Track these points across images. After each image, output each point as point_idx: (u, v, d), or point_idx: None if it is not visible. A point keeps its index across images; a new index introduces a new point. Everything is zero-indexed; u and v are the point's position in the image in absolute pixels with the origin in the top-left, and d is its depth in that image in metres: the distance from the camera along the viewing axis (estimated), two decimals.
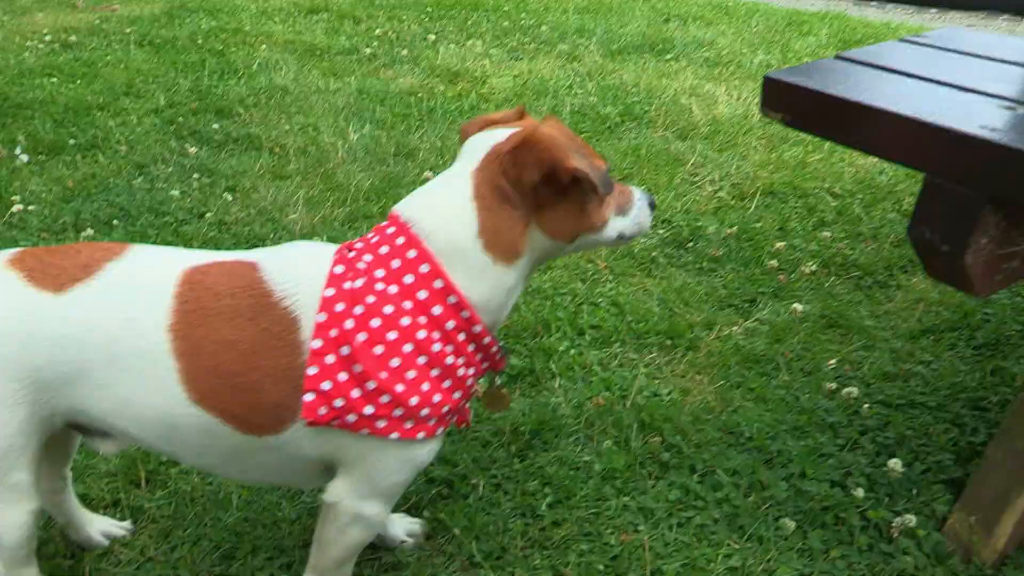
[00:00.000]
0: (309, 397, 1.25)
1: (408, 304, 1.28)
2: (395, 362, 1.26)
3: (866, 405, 2.03)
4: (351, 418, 1.27)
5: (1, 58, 4.83)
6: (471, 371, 1.36)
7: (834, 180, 3.29)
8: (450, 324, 1.29)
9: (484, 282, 1.31)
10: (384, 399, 1.26)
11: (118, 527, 1.74)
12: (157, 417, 1.30)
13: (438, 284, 1.28)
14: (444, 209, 1.32)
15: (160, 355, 1.27)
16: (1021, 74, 1.53)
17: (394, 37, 5.22)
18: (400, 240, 1.30)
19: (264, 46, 5.04)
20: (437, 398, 1.30)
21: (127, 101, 4.18)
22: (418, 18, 5.68)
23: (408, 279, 1.28)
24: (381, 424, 1.28)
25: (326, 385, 1.25)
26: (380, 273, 1.28)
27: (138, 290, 1.30)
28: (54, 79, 4.49)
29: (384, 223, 1.35)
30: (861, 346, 2.29)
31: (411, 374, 1.27)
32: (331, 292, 1.27)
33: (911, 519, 1.67)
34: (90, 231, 2.86)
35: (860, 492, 1.77)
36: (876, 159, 3.27)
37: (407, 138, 3.71)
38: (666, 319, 2.41)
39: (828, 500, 1.76)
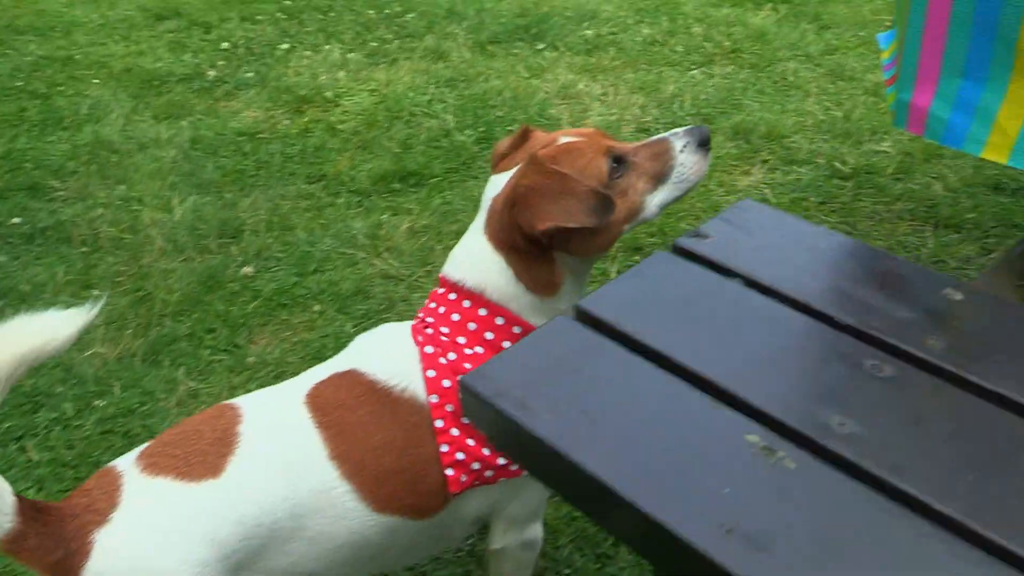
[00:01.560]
0: (450, 472, 1.35)
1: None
2: None
3: None
4: (489, 474, 1.37)
5: None
6: None
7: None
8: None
9: (542, 314, 1.41)
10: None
11: None
12: (347, 540, 1.34)
13: (516, 330, 1.39)
14: (481, 265, 1.41)
15: (334, 484, 1.32)
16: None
17: (244, 49, 4.68)
18: (466, 303, 1.40)
19: (96, 80, 4.49)
20: None
21: None
22: (275, 15, 5.12)
23: (489, 335, 1.38)
24: (513, 468, 1.38)
25: (460, 456, 1.35)
26: (462, 340, 1.38)
27: (280, 436, 1.34)
28: None
29: (439, 290, 1.46)
30: None
31: None
32: (433, 373, 1.35)
33: None
34: None
35: None
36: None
37: (235, 208, 3.27)
38: None
39: None
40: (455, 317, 1.40)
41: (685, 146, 1.41)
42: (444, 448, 1.34)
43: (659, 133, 1.52)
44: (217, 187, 3.43)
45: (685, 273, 1.18)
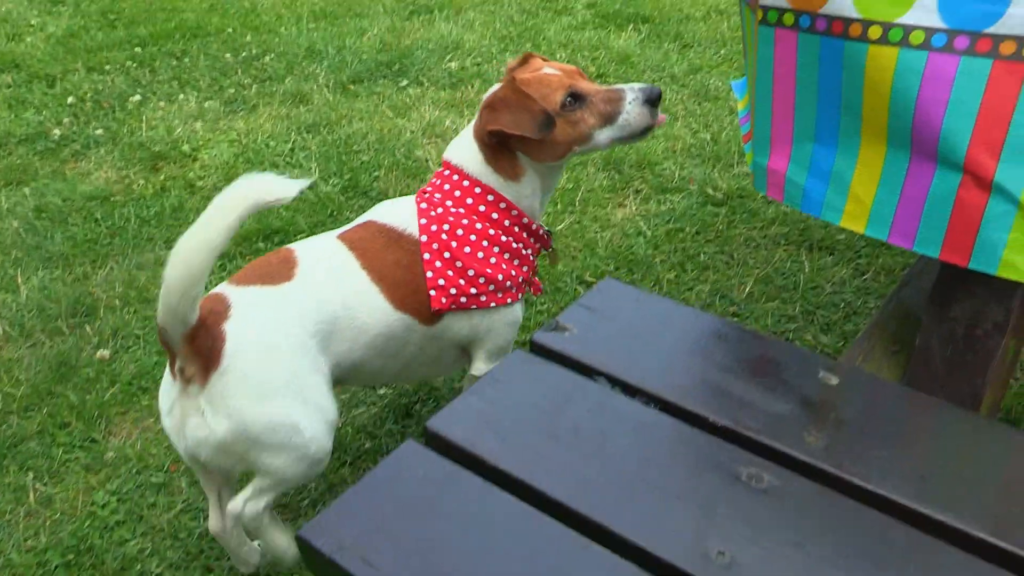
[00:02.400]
0: (432, 293, 1.77)
1: (476, 214, 1.81)
2: (480, 254, 1.79)
3: None
4: (463, 299, 1.79)
5: None
6: (529, 250, 1.89)
7: (583, 269, 2.83)
8: (507, 222, 1.83)
9: (508, 191, 1.84)
10: (481, 280, 1.79)
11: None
12: (381, 334, 1.79)
13: (490, 197, 1.82)
14: (464, 150, 1.86)
15: (368, 286, 1.77)
16: None
17: (92, 104, 4.41)
18: (455, 177, 1.85)
19: None
20: (513, 272, 1.84)
21: None
22: (125, 64, 4.86)
23: (469, 200, 1.82)
24: (484, 299, 1.80)
25: (441, 281, 1.77)
26: (449, 202, 1.82)
27: (326, 258, 1.78)
28: None
29: (440, 169, 1.90)
30: None
31: (493, 260, 1.81)
32: (424, 221, 1.80)
33: None
34: None
35: None
36: (636, 229, 2.82)
37: (88, 283, 3.04)
38: None
39: None
40: (445, 186, 1.85)
41: (634, 99, 1.75)
42: (429, 274, 1.77)
43: None
44: (67, 260, 3.19)
45: (544, 376, 1.08)
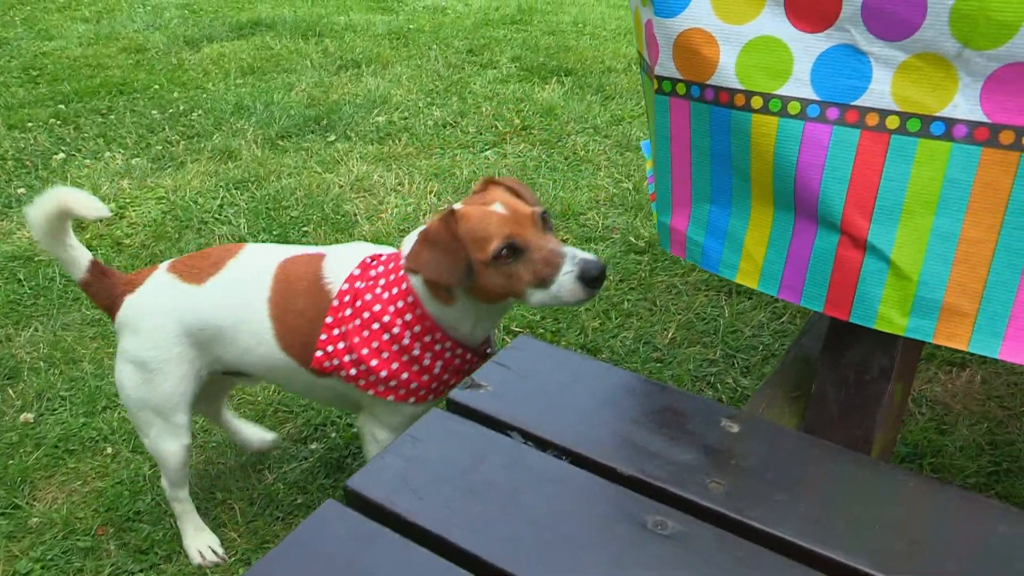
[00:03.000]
0: (318, 354, 1.77)
1: (392, 308, 1.74)
2: (375, 344, 1.74)
3: None
4: (342, 374, 1.77)
5: None
6: (439, 362, 1.78)
7: (509, 320, 2.88)
8: (417, 328, 1.74)
9: (434, 310, 1.75)
10: (362, 367, 1.75)
11: (263, 438, 2.44)
12: (263, 361, 1.88)
13: (411, 299, 1.74)
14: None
15: (261, 319, 1.84)
16: None
17: (14, 162, 4.36)
18: (392, 266, 1.78)
19: None
20: (404, 376, 1.76)
21: None
22: (48, 121, 4.81)
23: (395, 291, 1.74)
24: (362, 383, 1.77)
25: (329, 348, 1.77)
26: (381, 282, 1.76)
27: (250, 278, 1.86)
28: None
29: (395, 252, 1.83)
30: None
31: (384, 355, 1.74)
32: (346, 286, 1.78)
33: None
34: None
35: None
36: None
37: (10, 345, 2.99)
38: None
39: None
40: (388, 276, 1.77)
41: (569, 272, 1.58)
42: (322, 337, 1.77)
43: None
44: None
45: (460, 433, 1.12)
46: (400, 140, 4.27)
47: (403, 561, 0.95)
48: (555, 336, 2.82)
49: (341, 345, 1.76)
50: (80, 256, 1.98)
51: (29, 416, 2.66)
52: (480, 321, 1.77)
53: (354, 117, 4.53)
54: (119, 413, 2.66)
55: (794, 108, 1.25)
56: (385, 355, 1.74)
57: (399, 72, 5.18)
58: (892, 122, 1.19)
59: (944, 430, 2.26)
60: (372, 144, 4.26)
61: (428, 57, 5.39)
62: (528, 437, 1.11)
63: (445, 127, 4.40)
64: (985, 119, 1.12)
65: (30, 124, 4.81)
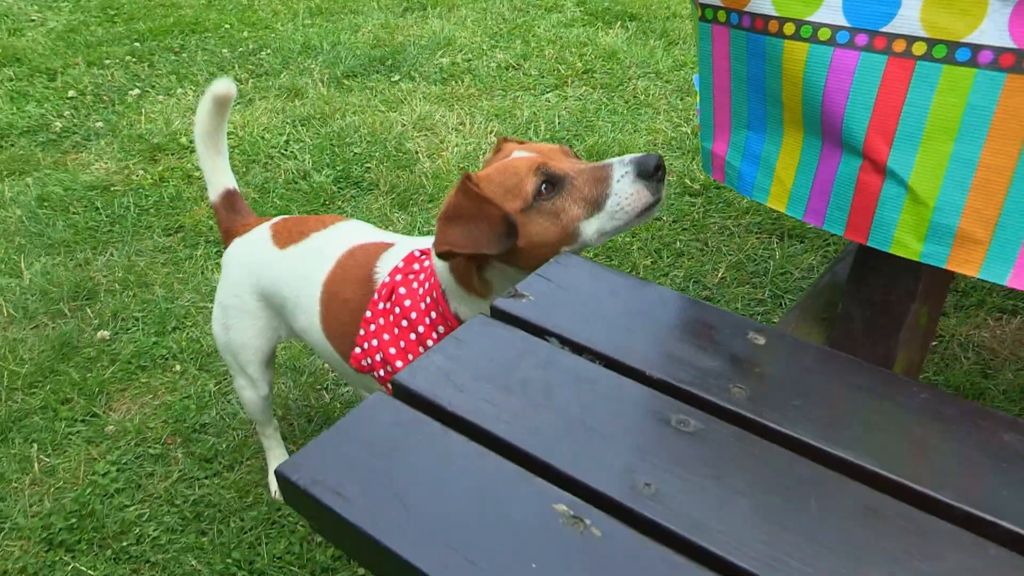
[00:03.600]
0: (356, 351, 1.66)
1: (421, 305, 1.59)
2: (402, 344, 1.60)
3: None
4: (375, 375, 1.66)
5: None
6: None
7: None
8: (441, 328, 1.57)
9: (465, 305, 1.56)
10: (388, 368, 1.61)
11: None
12: (318, 344, 1.82)
13: (435, 295, 1.57)
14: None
15: (315, 301, 1.78)
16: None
17: (92, 97, 4.52)
18: (426, 263, 1.63)
19: None
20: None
21: None
22: (124, 58, 4.97)
23: (427, 285, 1.59)
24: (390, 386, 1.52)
25: (365, 345, 1.64)
26: (421, 277, 1.62)
27: (320, 255, 1.80)
28: None
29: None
30: None
31: (411, 357, 1.58)
32: (387, 279, 1.65)
33: None
34: None
35: None
36: None
37: (88, 268, 3.15)
38: None
39: None
40: (427, 271, 1.62)
41: (624, 175, 1.36)
42: (361, 332, 1.65)
43: None
44: (69, 247, 3.30)
45: (501, 337, 1.19)
46: (463, 81, 4.32)
47: (441, 445, 1.03)
48: None
49: (375, 342, 1.62)
50: (221, 179, 2.03)
51: (105, 334, 2.82)
52: None
53: (418, 58, 4.59)
54: (187, 334, 2.80)
55: (824, 34, 1.27)
56: (412, 357, 1.57)
57: (464, 15, 5.21)
58: (919, 48, 1.21)
59: (989, 374, 2.27)
60: (435, 85, 4.31)
61: (494, 0, 5.40)
62: (565, 342, 1.18)
63: (508, 69, 4.43)
64: (1012, 44, 1.13)
65: (107, 61, 4.96)
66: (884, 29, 1.23)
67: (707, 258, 2.90)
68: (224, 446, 2.39)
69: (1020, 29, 1.12)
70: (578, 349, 1.17)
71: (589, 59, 4.46)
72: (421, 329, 1.58)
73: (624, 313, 1.23)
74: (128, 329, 2.85)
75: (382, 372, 1.62)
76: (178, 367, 2.68)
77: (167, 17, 5.56)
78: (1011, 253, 1.20)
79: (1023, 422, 1.00)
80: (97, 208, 3.54)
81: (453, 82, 4.32)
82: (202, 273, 3.08)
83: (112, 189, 3.67)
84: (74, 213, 3.51)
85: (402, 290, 1.61)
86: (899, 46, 1.22)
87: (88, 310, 2.95)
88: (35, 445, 2.42)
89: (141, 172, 3.79)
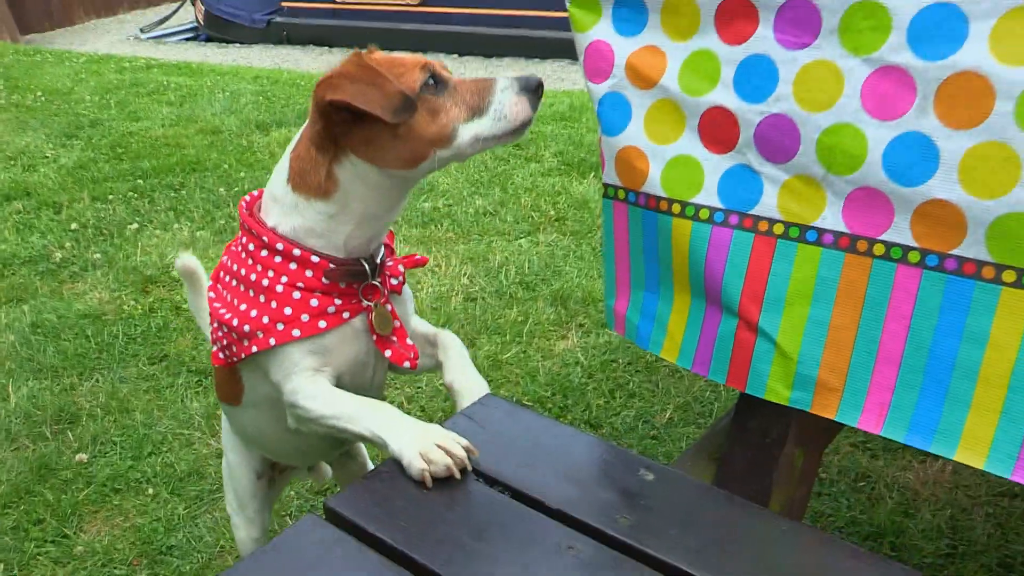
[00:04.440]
0: (214, 348, 1.62)
1: (235, 248, 1.55)
2: (229, 297, 1.52)
3: None
4: (222, 356, 1.58)
5: None
6: (283, 279, 1.45)
7: (522, 395, 3.09)
8: (262, 252, 1.47)
9: (299, 216, 1.46)
10: (227, 331, 1.52)
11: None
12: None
13: (248, 227, 1.50)
14: (278, 169, 1.52)
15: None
16: None
17: (93, 230, 4.76)
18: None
19: None
20: (254, 313, 1.47)
21: None
22: (127, 194, 5.23)
23: (244, 238, 1.52)
24: (235, 349, 1.53)
25: (211, 334, 1.62)
26: (234, 246, 1.57)
27: None
28: None
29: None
30: None
31: (236, 302, 1.49)
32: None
33: None
34: None
35: None
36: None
37: (74, 393, 3.29)
38: None
39: None
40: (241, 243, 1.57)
41: (508, 87, 1.39)
42: (213, 325, 1.60)
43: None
44: (57, 372, 3.45)
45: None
46: (442, 225, 4.56)
47: (356, 562, 1.17)
48: (562, 411, 3.02)
49: (215, 325, 1.56)
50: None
51: (84, 456, 2.94)
52: (366, 219, 1.48)
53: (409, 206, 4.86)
54: (162, 458, 2.92)
55: (704, 214, 1.51)
56: (237, 302, 1.49)
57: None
58: (778, 229, 1.45)
59: (910, 513, 2.40)
60: (416, 228, 4.56)
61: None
62: (478, 474, 1.33)
63: (485, 215, 4.68)
64: (846, 230, 1.38)
65: (111, 196, 5.23)
66: (751, 212, 1.46)
67: (657, 399, 3.06)
68: (188, 568, 2.47)
69: (850, 218, 1.35)
70: (489, 480, 1.31)
71: (562, 207, 4.73)
72: (241, 269, 1.50)
73: (534, 449, 1.38)
74: (106, 453, 2.97)
75: (225, 341, 1.54)
76: (151, 490, 2.79)
77: (171, 156, 5.86)
78: (860, 399, 1.40)
79: (863, 552, 1.15)
80: (87, 336, 3.70)
81: (433, 226, 4.56)
82: (181, 401, 3.22)
83: (103, 318, 3.85)
84: (65, 340, 3.67)
85: (224, 258, 1.56)
86: (763, 226, 1.44)
87: (69, 433, 3.07)
88: (1, 565, 2.50)
89: (132, 302, 3.98)
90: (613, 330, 1.75)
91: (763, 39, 1.39)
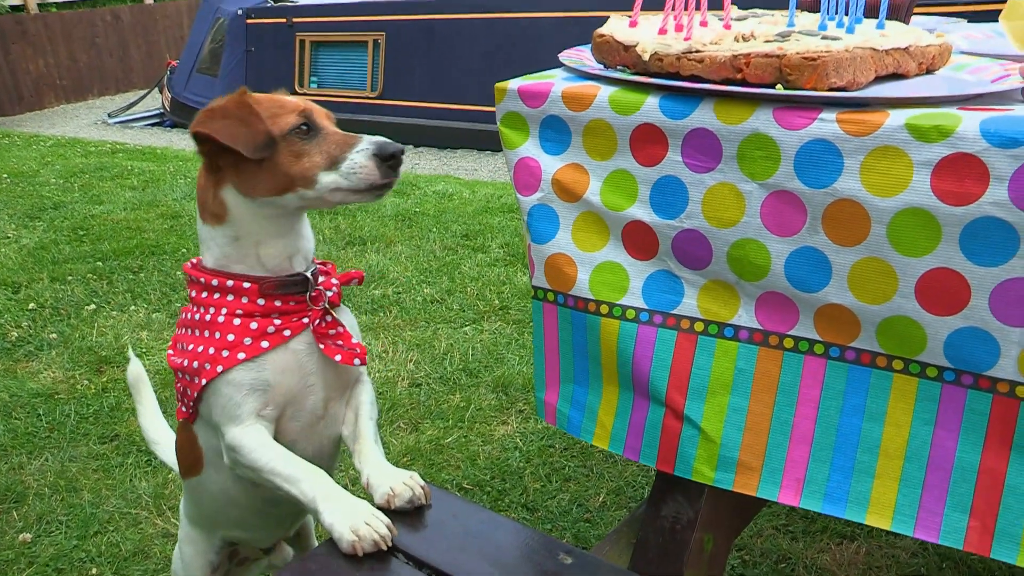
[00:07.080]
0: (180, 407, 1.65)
1: (188, 304, 1.59)
2: (181, 346, 1.57)
3: None
4: (184, 409, 1.61)
5: None
6: (224, 311, 1.49)
7: (462, 478, 3.12)
8: (203, 294, 1.53)
9: (214, 245, 1.53)
10: (179, 375, 1.58)
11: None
12: None
13: (189, 276, 1.58)
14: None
15: None
16: None
17: (51, 310, 4.73)
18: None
19: None
20: (200, 348, 1.50)
21: None
22: (86, 275, 5.21)
23: (191, 291, 1.58)
24: (190, 392, 1.54)
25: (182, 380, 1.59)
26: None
27: None
28: None
29: None
30: None
31: (187, 346, 1.53)
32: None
33: None
34: None
35: None
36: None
37: (22, 472, 3.25)
38: None
39: None
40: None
41: (364, 149, 1.45)
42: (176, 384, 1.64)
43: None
44: (5, 450, 3.40)
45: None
46: (391, 312, 4.62)
47: None
48: (500, 495, 3.06)
49: (183, 361, 1.56)
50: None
51: (27, 536, 2.89)
52: (267, 238, 1.52)
53: (354, 290, 4.91)
54: (108, 538, 2.88)
55: (630, 314, 1.61)
56: (188, 345, 1.54)
57: (400, 251, 5.60)
58: (698, 326, 1.58)
59: None
60: (366, 314, 4.61)
61: (428, 239, 5.83)
62: (409, 558, 1.37)
63: (432, 303, 4.76)
64: (759, 327, 1.52)
65: (70, 277, 5.21)
66: (673, 312, 1.58)
67: (591, 483, 3.11)
68: None
69: (762, 316, 1.49)
70: (419, 564, 1.36)
71: (506, 296, 4.82)
72: (185, 315, 1.57)
73: (461, 534, 1.43)
74: (51, 532, 2.93)
75: (181, 387, 1.59)
76: (95, 570, 2.75)
77: (131, 239, 5.87)
78: (777, 477, 1.53)
79: None
80: (39, 414, 3.66)
81: (381, 313, 4.62)
82: (130, 480, 3.19)
83: (56, 397, 3.81)
84: (16, 419, 3.63)
85: (185, 314, 1.58)
86: (685, 324, 1.56)
87: (14, 512, 3.02)
88: None
89: (86, 382, 3.95)
90: (544, 420, 1.82)
91: (673, 162, 1.51)
